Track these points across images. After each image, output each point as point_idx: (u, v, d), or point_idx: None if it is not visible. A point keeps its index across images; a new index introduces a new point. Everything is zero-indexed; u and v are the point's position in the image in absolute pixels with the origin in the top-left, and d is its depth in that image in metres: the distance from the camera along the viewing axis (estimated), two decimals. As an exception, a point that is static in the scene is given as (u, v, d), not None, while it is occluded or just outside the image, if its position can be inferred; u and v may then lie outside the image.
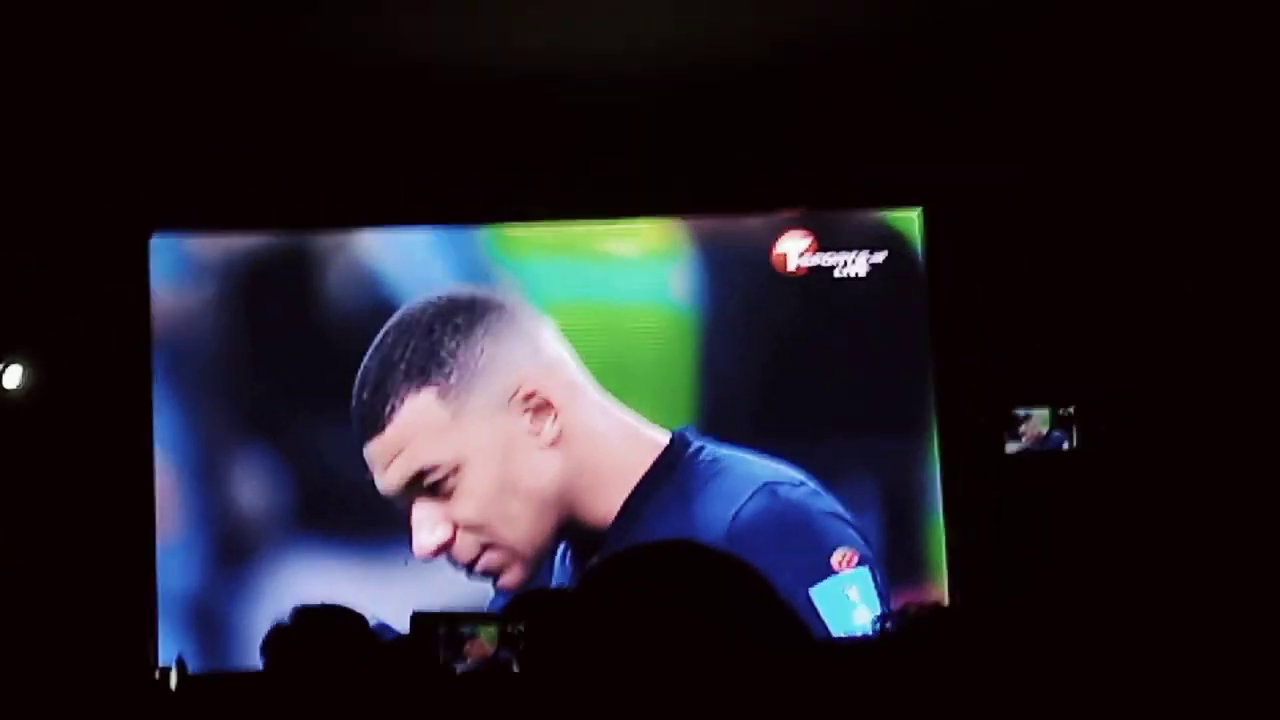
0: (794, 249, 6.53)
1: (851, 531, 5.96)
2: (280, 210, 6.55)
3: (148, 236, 6.57)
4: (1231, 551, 6.03)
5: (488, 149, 6.53)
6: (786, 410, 6.41)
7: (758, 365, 6.48)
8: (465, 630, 5.15)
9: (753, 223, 6.59)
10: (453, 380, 5.83)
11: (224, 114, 6.40)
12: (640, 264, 6.51)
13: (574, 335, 6.14)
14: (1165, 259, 6.40)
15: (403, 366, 5.85)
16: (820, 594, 5.78)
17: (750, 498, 5.70)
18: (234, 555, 6.37)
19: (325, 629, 3.36)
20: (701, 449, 5.94)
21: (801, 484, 5.90)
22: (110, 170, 6.58)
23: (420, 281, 6.32)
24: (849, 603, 5.85)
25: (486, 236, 6.52)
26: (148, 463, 6.45)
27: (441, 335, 5.87)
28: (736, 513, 5.62)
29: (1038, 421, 6.02)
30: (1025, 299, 6.41)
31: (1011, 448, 6.03)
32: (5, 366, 6.55)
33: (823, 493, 5.95)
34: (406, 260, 6.46)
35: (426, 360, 5.84)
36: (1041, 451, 5.99)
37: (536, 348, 5.97)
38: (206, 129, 6.45)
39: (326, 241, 6.52)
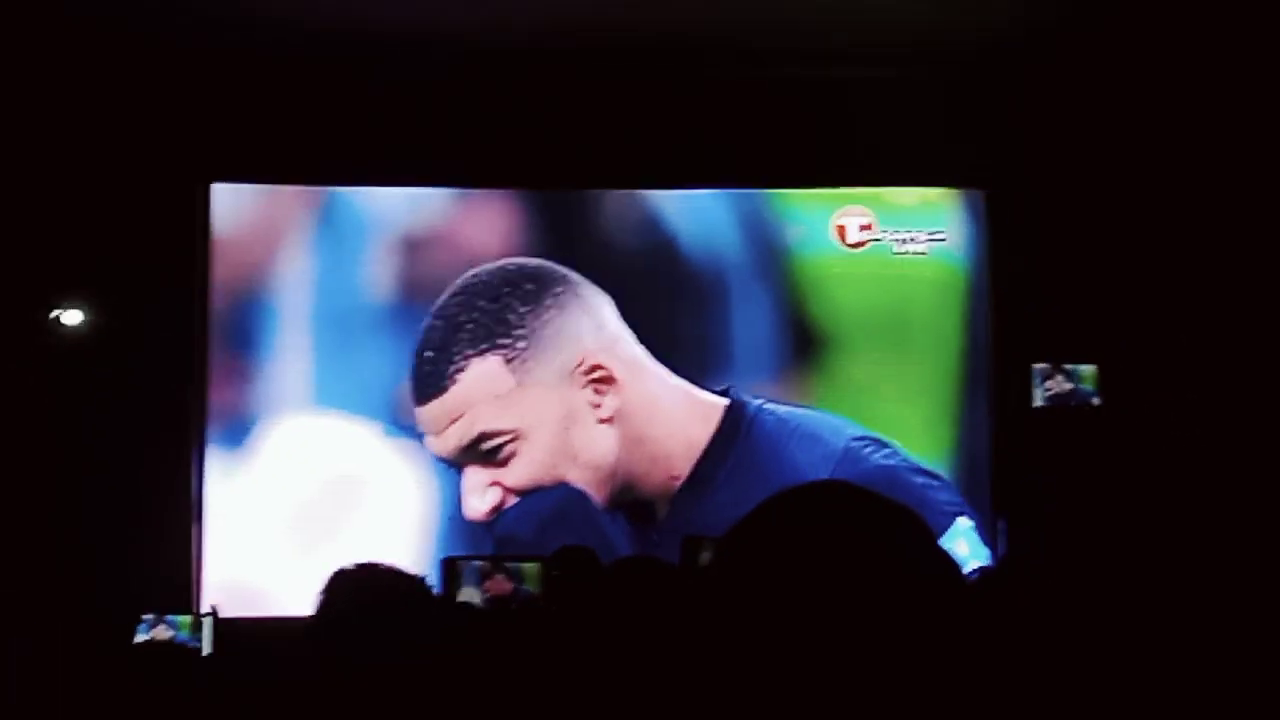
0: (853, 223, 6.55)
1: (939, 486, 6.08)
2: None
3: (205, 183, 6.65)
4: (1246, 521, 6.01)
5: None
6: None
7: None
8: (485, 567, 5.28)
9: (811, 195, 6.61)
10: (520, 347, 5.85)
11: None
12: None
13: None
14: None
15: (470, 328, 5.86)
16: None
17: (839, 461, 5.75)
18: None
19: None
20: (761, 408, 5.97)
21: (884, 446, 5.97)
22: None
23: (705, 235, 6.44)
24: (961, 558, 5.93)
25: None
26: (201, 399, 6.56)
27: (510, 301, 5.88)
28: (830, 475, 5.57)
29: (1064, 378, 6.19)
30: (1066, 270, 6.47)
31: (1038, 400, 6.18)
32: (66, 308, 6.62)
33: (902, 453, 6.02)
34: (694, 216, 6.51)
35: (494, 325, 5.86)
36: (1069, 406, 6.14)
37: (600, 322, 5.99)
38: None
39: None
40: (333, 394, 6.33)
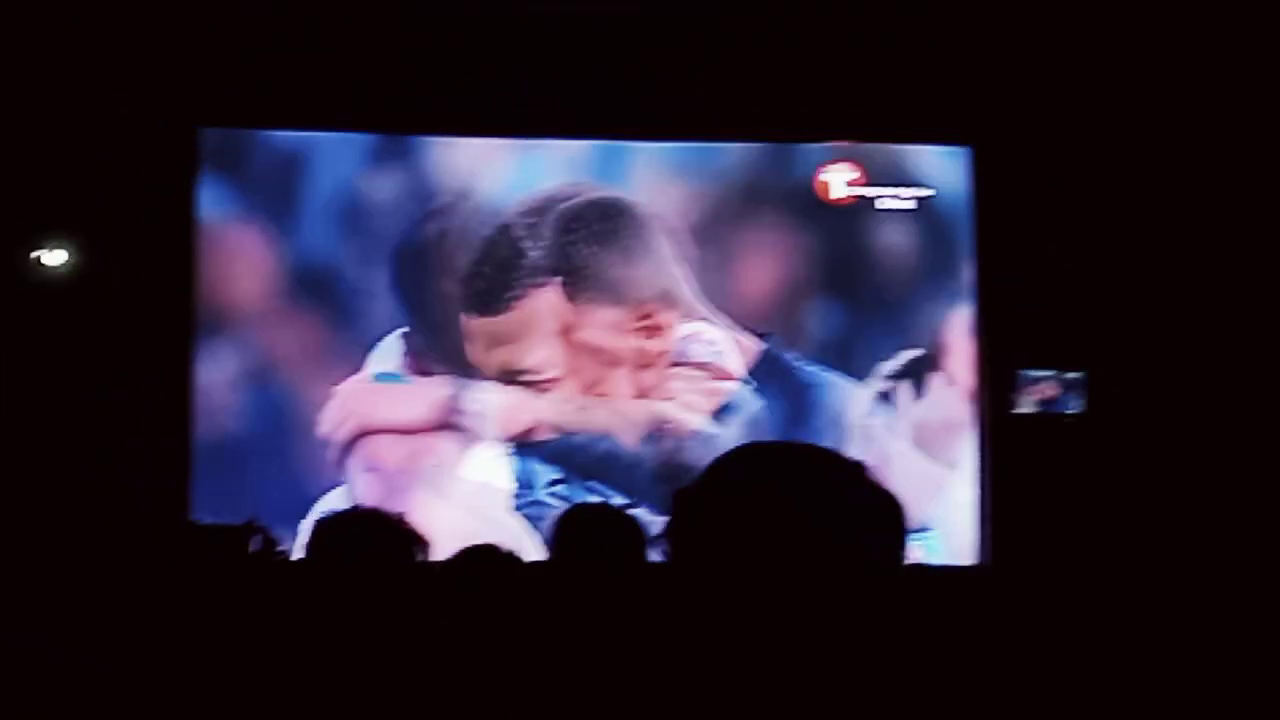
0: (839, 179, 6.79)
1: None
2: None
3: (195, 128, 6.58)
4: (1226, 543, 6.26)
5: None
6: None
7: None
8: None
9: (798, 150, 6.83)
10: (582, 286, 5.92)
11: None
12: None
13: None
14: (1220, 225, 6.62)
15: (535, 255, 5.90)
16: None
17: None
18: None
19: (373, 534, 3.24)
20: (793, 362, 6.22)
21: None
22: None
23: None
24: None
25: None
26: (187, 341, 6.51)
27: (580, 234, 5.94)
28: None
29: (1047, 384, 6.53)
30: (1065, 251, 6.70)
31: (1022, 408, 6.51)
32: (50, 248, 6.44)
33: None
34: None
35: (561, 258, 5.91)
36: (1048, 413, 6.48)
37: (659, 266, 6.07)
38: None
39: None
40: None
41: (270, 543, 3.05)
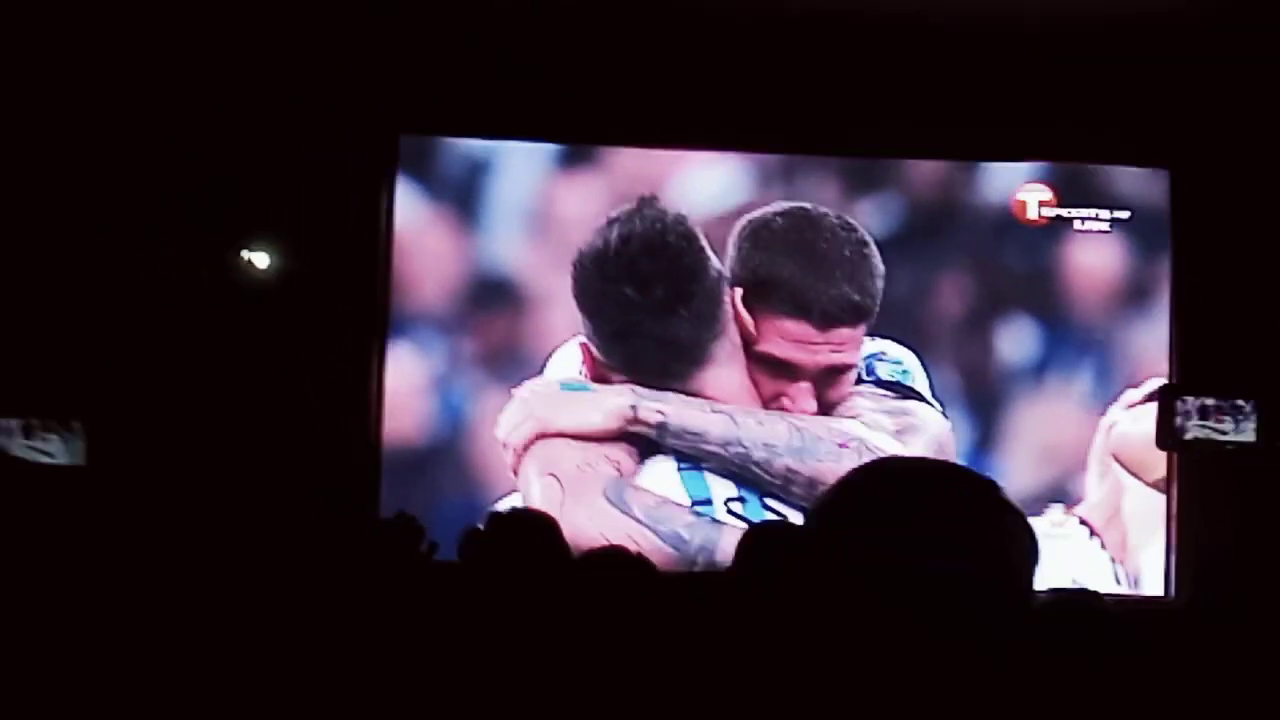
0: (1034, 198, 6.68)
1: None
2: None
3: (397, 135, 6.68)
4: None
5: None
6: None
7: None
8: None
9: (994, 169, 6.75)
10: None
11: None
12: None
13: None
14: None
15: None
16: None
17: None
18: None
19: (517, 535, 3.21)
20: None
21: None
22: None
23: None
24: None
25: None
26: (379, 343, 6.60)
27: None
28: None
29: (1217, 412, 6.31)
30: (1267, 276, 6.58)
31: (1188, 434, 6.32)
32: (256, 250, 6.59)
33: None
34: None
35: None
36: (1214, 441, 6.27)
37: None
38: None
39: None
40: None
41: (416, 530, 3.09)
